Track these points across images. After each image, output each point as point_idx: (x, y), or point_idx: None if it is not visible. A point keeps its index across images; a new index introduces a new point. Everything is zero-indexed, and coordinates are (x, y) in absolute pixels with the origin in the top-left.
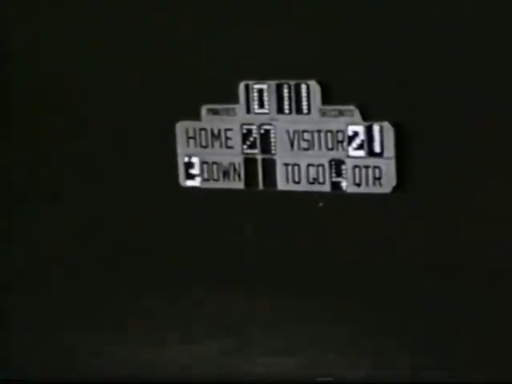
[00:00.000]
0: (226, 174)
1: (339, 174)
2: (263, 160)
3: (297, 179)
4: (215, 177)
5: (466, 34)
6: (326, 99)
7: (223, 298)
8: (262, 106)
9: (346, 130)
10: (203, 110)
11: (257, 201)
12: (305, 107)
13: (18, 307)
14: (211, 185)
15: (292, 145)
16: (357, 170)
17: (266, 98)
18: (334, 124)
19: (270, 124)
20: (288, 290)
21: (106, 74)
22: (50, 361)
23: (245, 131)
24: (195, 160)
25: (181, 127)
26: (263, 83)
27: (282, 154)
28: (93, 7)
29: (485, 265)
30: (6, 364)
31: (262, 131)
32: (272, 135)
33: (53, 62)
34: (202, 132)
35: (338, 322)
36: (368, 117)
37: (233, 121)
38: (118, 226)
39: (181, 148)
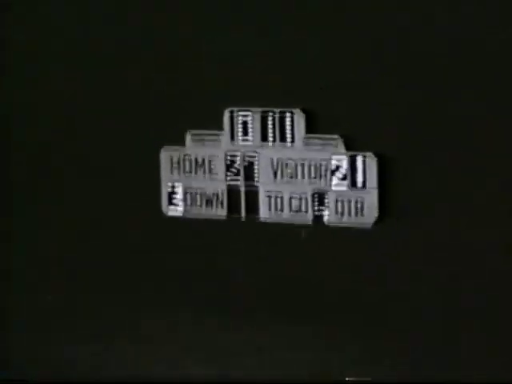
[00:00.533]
0: (208, 201)
1: (322, 205)
2: (246, 188)
3: (279, 209)
4: (198, 204)
5: (456, 69)
6: (311, 128)
7: (208, 323)
8: (246, 133)
9: (330, 160)
10: (188, 136)
11: (239, 230)
12: (289, 136)
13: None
14: (194, 212)
15: (275, 174)
16: (339, 201)
17: (250, 126)
18: (317, 154)
19: (254, 152)
20: (273, 318)
21: (92, 97)
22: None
23: (229, 159)
24: (178, 187)
25: (165, 153)
26: (248, 110)
27: (265, 183)
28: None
29: (475, 299)
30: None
31: (246, 159)
32: (256, 164)
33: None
34: (186, 158)
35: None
36: (352, 147)
37: (217, 148)
38: (102, 251)
39: (164, 174)
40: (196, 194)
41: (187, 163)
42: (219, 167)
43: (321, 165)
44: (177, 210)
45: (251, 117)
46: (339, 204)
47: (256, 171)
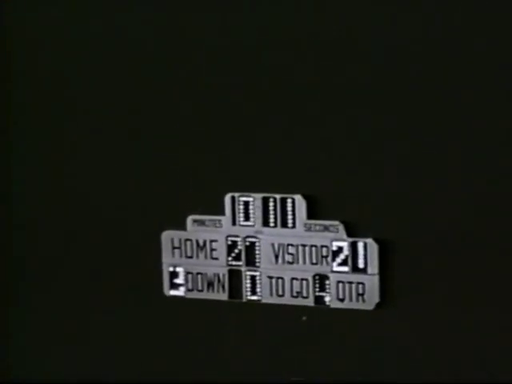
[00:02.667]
0: (210, 284)
1: (323, 289)
2: (247, 272)
3: (281, 292)
4: (199, 287)
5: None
6: (312, 214)
7: None
8: (247, 218)
9: (331, 245)
10: (189, 221)
11: (240, 312)
12: (290, 221)
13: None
14: (195, 295)
15: (276, 258)
16: (340, 285)
17: (251, 211)
18: (318, 239)
19: (255, 237)
20: None
21: (96, 180)
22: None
23: (230, 243)
24: (180, 270)
25: (166, 237)
26: (249, 196)
27: (266, 267)
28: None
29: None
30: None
31: (247, 243)
32: (257, 248)
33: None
34: (188, 242)
35: None
36: (353, 233)
37: (218, 232)
38: (101, 333)
39: (166, 257)
40: (197, 276)
41: (188, 246)
42: (220, 251)
43: (322, 249)
44: (178, 293)
45: (252, 201)
46: (340, 288)
47: (257, 255)
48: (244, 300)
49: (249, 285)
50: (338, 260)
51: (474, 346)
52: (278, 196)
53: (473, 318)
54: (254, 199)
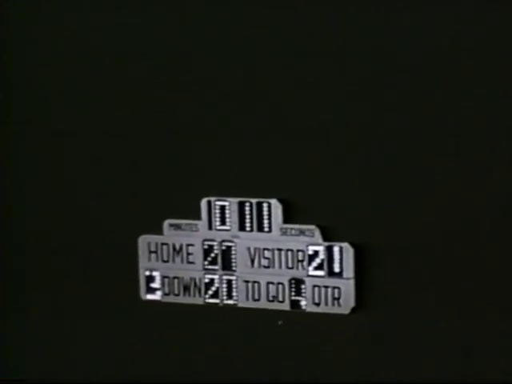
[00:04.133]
0: (186, 289)
1: (299, 293)
2: (224, 276)
3: (257, 296)
4: (176, 291)
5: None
6: (287, 218)
7: None
8: (223, 222)
9: (307, 249)
10: (165, 225)
11: (217, 317)
12: (266, 225)
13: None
14: (172, 299)
15: (252, 262)
16: (316, 289)
17: (227, 215)
18: (294, 243)
19: (232, 241)
20: None
21: (76, 186)
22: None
23: (206, 247)
24: (156, 274)
25: (143, 241)
26: (225, 200)
27: (242, 271)
28: None
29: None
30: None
31: (224, 247)
32: (233, 252)
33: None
34: (164, 246)
35: None
36: (328, 237)
37: (194, 236)
38: (77, 337)
39: (142, 262)
40: (173, 280)
41: (165, 251)
42: (197, 255)
43: (298, 253)
44: (155, 297)
45: (229, 206)
46: (316, 292)
47: (233, 259)
48: (220, 304)
49: (225, 289)
50: (314, 264)
51: (449, 349)
52: (253, 200)
53: (448, 322)
54: (230, 203)
